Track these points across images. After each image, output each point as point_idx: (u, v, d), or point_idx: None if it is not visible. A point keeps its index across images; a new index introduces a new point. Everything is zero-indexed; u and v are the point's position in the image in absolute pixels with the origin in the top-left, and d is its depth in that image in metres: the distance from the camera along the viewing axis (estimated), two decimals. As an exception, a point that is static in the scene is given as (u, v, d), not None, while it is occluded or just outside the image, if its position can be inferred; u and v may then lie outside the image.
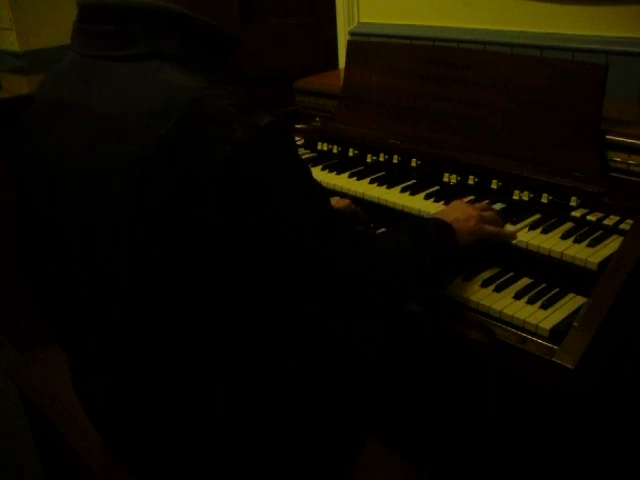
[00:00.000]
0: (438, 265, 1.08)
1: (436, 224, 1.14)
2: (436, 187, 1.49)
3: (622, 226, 1.23)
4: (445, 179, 1.49)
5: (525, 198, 1.35)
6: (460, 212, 1.21)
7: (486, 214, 1.24)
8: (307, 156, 1.77)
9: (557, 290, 1.16)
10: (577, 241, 1.21)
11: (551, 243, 1.21)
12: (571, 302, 1.13)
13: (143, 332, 0.91)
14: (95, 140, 0.86)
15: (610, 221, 1.25)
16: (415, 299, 1.19)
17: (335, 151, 1.73)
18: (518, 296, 1.15)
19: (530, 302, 1.13)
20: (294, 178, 0.85)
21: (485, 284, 1.19)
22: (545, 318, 1.09)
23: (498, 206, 1.37)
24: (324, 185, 1.56)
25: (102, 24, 0.87)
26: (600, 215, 1.27)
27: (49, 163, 0.94)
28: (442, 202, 1.41)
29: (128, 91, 0.84)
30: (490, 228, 1.22)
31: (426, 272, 1.07)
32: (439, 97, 1.53)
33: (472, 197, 1.42)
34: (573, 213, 1.29)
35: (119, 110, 0.83)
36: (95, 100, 0.87)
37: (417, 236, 1.07)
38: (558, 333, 1.05)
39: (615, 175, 1.28)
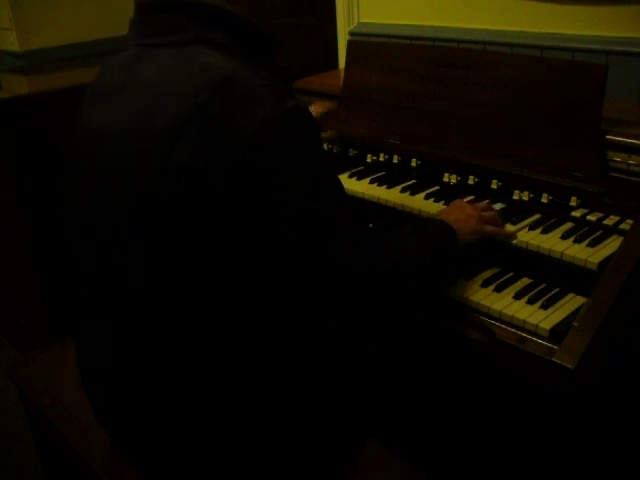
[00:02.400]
0: (438, 265, 1.08)
1: (436, 224, 1.14)
2: (436, 187, 1.49)
3: (622, 226, 1.23)
4: (445, 179, 1.49)
5: (525, 198, 1.35)
6: (460, 212, 1.21)
7: (486, 214, 1.24)
8: (307, 156, 1.77)
9: (557, 290, 1.16)
10: (577, 241, 1.21)
11: (551, 243, 1.21)
12: (571, 302, 1.13)
13: (143, 331, 0.91)
14: (130, 115, 0.87)
15: (610, 221, 1.25)
16: (416, 300, 1.20)
17: (335, 151, 1.73)
18: (518, 296, 1.15)
19: (530, 302, 1.13)
20: (304, 173, 0.85)
21: (485, 284, 1.19)
22: (545, 318, 1.09)
23: (498, 206, 1.37)
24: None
25: (152, 16, 0.92)
26: (600, 215, 1.27)
27: (85, 143, 0.96)
28: (442, 202, 1.41)
29: (167, 71, 0.87)
30: (490, 228, 1.22)
31: (426, 272, 1.07)
32: (439, 97, 1.53)
33: (472, 197, 1.42)
34: (573, 213, 1.29)
35: (154, 87, 0.86)
36: (136, 82, 0.90)
37: (418, 236, 1.07)
38: (558, 333, 1.05)
39: (615, 175, 1.28)
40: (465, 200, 1.37)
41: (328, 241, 0.87)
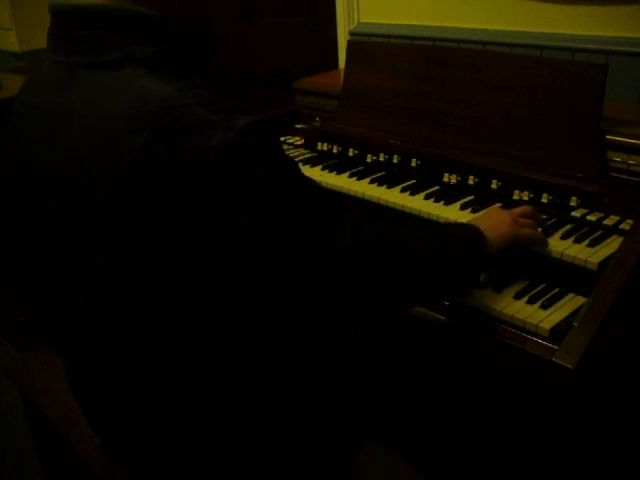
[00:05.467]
0: (464, 268, 1.02)
1: (463, 227, 1.09)
2: (436, 187, 1.49)
3: (622, 226, 1.23)
4: (445, 179, 1.49)
5: (525, 198, 1.35)
6: (493, 217, 1.15)
7: (523, 220, 1.18)
8: (307, 156, 1.77)
9: (557, 290, 1.16)
10: (577, 241, 1.21)
11: (551, 243, 1.21)
12: (571, 302, 1.13)
13: (145, 333, 0.90)
14: (80, 150, 0.84)
15: (610, 221, 1.25)
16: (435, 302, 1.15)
17: (335, 151, 1.73)
18: (518, 296, 1.15)
19: (530, 302, 1.13)
20: (277, 183, 0.82)
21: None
22: (545, 318, 1.08)
23: (497, 206, 1.37)
24: (324, 185, 1.56)
25: (73, 29, 0.85)
26: (600, 215, 1.27)
27: (36, 174, 0.92)
28: (442, 202, 1.41)
29: (105, 100, 0.82)
30: (526, 231, 1.15)
31: (451, 276, 1.00)
32: (439, 97, 1.53)
33: (472, 197, 1.42)
34: (573, 213, 1.29)
35: (98, 120, 0.82)
36: (75, 110, 0.85)
37: (440, 238, 1.00)
38: (558, 333, 1.05)
39: (615, 175, 1.28)
40: (466, 200, 1.37)
41: (327, 240, 0.84)
